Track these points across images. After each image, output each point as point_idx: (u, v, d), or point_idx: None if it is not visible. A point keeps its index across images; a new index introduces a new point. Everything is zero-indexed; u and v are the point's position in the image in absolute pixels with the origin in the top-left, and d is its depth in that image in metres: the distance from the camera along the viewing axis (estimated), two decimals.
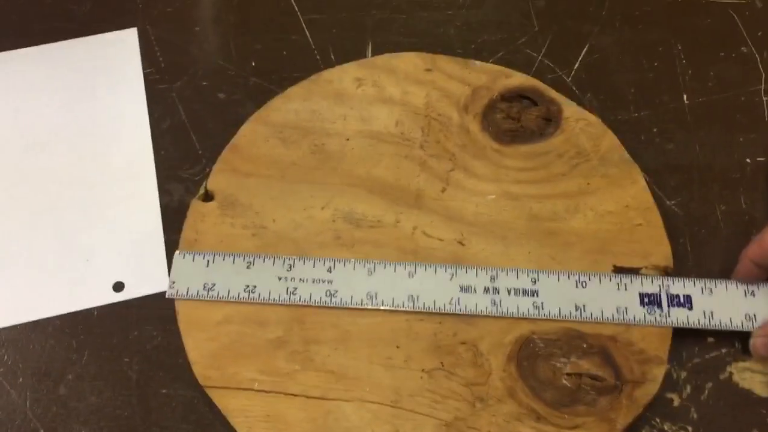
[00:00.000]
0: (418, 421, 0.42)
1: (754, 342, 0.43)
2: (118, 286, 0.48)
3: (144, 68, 0.55)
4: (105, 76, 0.55)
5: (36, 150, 0.53)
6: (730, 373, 0.45)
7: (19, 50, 0.57)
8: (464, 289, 0.45)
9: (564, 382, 0.43)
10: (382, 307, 0.45)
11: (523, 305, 0.44)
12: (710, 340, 0.46)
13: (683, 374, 0.45)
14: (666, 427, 0.44)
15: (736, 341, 0.46)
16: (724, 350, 0.46)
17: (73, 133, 0.53)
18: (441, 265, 0.46)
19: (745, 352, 0.45)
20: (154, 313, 0.47)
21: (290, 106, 0.52)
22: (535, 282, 0.45)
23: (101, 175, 0.52)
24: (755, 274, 0.45)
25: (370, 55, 0.56)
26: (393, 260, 0.46)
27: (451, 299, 0.45)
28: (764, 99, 0.53)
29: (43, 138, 0.53)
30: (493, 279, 0.45)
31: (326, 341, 0.44)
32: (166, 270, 0.48)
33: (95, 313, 0.47)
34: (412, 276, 0.45)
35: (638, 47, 0.56)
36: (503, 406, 0.43)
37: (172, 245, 0.49)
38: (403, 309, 0.45)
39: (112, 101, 0.54)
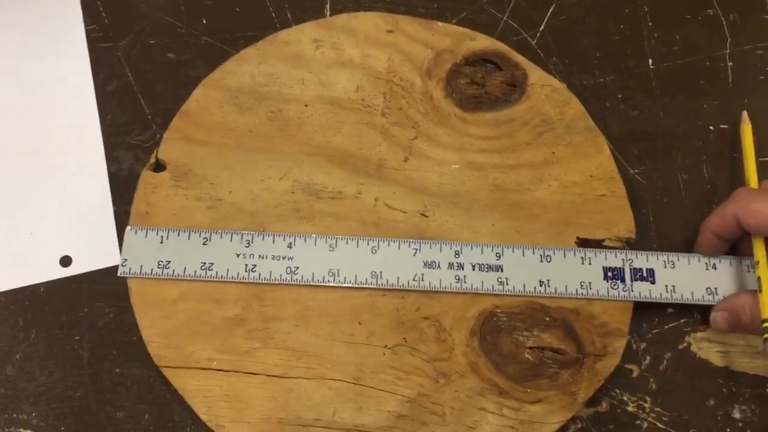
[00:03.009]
0: (381, 398, 0.42)
1: (715, 316, 0.44)
2: (66, 261, 0.46)
3: (86, 25, 0.52)
4: (44, 34, 0.51)
5: None
6: (689, 344, 0.46)
7: None
8: (428, 264, 0.44)
9: (527, 356, 0.43)
10: (344, 285, 0.43)
11: (488, 281, 0.44)
12: (670, 310, 0.46)
13: (643, 345, 0.46)
14: (625, 398, 0.44)
15: (695, 312, 0.46)
16: (682, 320, 0.46)
17: (11, 97, 0.50)
18: (405, 240, 0.45)
19: (704, 323, 0.46)
20: (105, 289, 0.45)
21: (245, 69, 0.49)
22: (499, 257, 0.44)
23: (43, 142, 0.48)
24: (716, 245, 0.45)
25: (328, 13, 0.53)
26: (355, 233, 0.45)
27: (415, 275, 0.44)
28: (729, 64, 0.53)
29: None
30: (457, 254, 0.44)
31: (286, 318, 0.43)
32: (117, 243, 0.46)
33: (42, 289, 0.45)
34: (375, 252, 0.44)
35: (605, 8, 0.54)
36: (466, 381, 0.42)
37: (122, 217, 0.47)
38: (367, 286, 0.43)
39: (53, 61, 0.51)
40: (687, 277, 0.45)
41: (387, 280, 0.44)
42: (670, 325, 0.46)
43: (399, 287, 0.44)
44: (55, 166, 0.48)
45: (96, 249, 0.46)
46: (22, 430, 0.42)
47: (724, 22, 0.54)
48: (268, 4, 0.53)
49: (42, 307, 0.45)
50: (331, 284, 0.44)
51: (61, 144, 0.48)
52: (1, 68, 0.50)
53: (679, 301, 0.44)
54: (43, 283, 0.45)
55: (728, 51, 0.53)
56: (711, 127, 0.51)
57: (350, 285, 0.44)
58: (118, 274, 0.44)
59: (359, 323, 0.43)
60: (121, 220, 0.46)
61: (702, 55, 0.53)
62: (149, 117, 0.50)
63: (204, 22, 0.52)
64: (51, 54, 0.51)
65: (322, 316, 0.43)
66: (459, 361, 0.43)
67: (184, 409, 0.42)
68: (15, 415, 0.43)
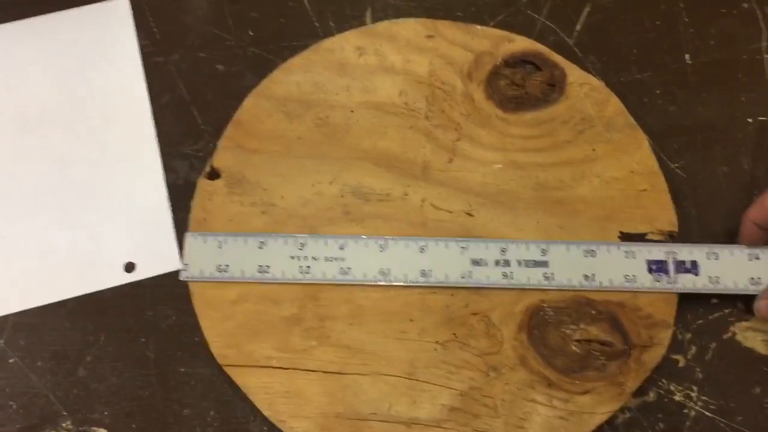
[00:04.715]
0: (434, 392, 0.44)
1: (759, 305, 0.44)
2: (130, 267, 0.48)
3: (139, 41, 0.54)
4: (99, 49, 0.54)
5: (31, 129, 0.52)
6: (733, 333, 0.47)
7: (4, 24, 0.55)
8: (476, 262, 0.46)
9: (574, 348, 0.44)
10: (395, 284, 0.45)
11: (534, 276, 0.45)
12: (714, 301, 0.47)
13: (688, 335, 0.47)
14: (672, 388, 0.45)
15: (739, 301, 0.47)
16: (727, 311, 0.47)
17: (70, 110, 0.52)
18: (452, 239, 0.46)
19: (748, 312, 0.46)
20: (167, 293, 0.48)
21: (292, 78, 0.51)
22: (545, 253, 0.46)
23: (103, 153, 0.51)
24: (758, 236, 0.46)
25: (369, 19, 0.55)
26: (403, 233, 0.47)
27: (463, 273, 0.45)
28: (765, 57, 0.53)
29: (37, 117, 0.52)
30: (503, 251, 0.46)
31: (340, 317, 0.45)
32: (177, 249, 0.48)
33: (108, 294, 0.48)
34: (424, 251, 0.46)
35: (640, 5, 0.55)
36: (516, 374, 0.44)
37: (180, 223, 0.49)
38: (417, 284, 0.45)
39: (109, 76, 0.53)
40: (730, 268, 0.45)
41: (436, 278, 0.45)
42: (715, 316, 0.47)
43: (448, 285, 0.45)
44: (115, 177, 0.50)
45: (158, 255, 0.48)
46: (95, 428, 0.45)
47: (760, 15, 0.54)
48: (311, 14, 0.55)
49: (109, 311, 0.47)
50: (383, 283, 0.45)
51: (120, 155, 0.51)
52: (63, 84, 0.53)
53: (723, 292, 0.45)
54: (109, 289, 0.48)
55: (764, 44, 0.54)
56: (749, 120, 0.52)
57: (401, 284, 0.45)
58: (180, 278, 0.46)
59: (411, 320, 0.45)
60: (180, 226, 0.49)
61: (738, 48, 0.54)
62: (202, 127, 0.52)
63: (250, 33, 0.55)
64: (107, 68, 0.53)
65: (375, 315, 0.45)
66: (508, 354, 0.44)
67: (247, 405, 0.44)
68: (88, 414, 0.45)
